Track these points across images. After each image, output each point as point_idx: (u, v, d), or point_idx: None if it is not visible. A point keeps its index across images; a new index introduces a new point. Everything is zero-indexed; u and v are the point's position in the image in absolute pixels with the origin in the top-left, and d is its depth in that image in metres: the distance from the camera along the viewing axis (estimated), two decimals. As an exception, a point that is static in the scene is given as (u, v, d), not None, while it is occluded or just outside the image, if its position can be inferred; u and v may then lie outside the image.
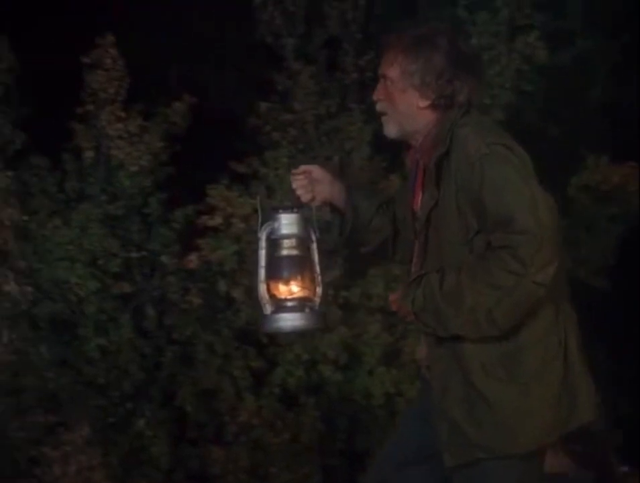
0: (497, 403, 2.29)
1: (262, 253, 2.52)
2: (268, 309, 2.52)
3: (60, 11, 6.17)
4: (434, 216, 2.37)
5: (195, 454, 5.42)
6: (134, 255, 5.43)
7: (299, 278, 2.53)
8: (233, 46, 6.33)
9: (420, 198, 2.44)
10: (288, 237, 2.53)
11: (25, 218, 5.32)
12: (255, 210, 2.70)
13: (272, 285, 2.53)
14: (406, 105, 2.41)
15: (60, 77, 5.56)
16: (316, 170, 2.59)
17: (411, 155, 2.51)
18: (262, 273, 2.52)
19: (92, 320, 5.37)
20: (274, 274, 2.53)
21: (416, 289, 2.33)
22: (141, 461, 5.34)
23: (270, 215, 2.55)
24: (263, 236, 2.52)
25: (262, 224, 2.53)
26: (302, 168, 2.60)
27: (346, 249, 2.70)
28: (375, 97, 2.49)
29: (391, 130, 2.46)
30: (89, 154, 5.42)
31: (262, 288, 2.51)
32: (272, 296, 2.52)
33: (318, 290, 2.55)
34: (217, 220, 5.33)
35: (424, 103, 2.39)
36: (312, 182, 2.58)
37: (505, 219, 2.23)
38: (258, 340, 5.31)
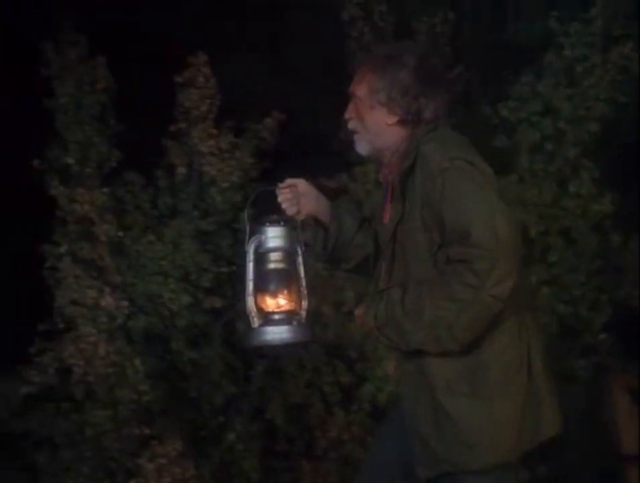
0: (461, 419, 2.31)
1: (250, 266, 2.54)
2: (255, 322, 2.53)
3: (154, 30, 6.31)
4: (400, 230, 2.40)
5: (285, 468, 5.43)
6: (225, 270, 5.50)
7: (286, 291, 2.54)
8: (322, 62, 6.36)
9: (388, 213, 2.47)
10: (274, 250, 2.54)
11: (120, 234, 5.44)
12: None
13: (260, 298, 2.54)
14: (375, 122, 2.46)
15: (154, 96, 5.67)
16: (301, 184, 2.62)
17: (383, 171, 2.54)
18: (250, 286, 2.53)
19: (185, 334, 5.45)
20: (262, 287, 2.54)
21: (379, 304, 2.36)
22: (232, 475, 5.38)
23: (257, 228, 2.57)
24: (251, 249, 2.54)
25: (249, 237, 2.55)
26: (288, 181, 2.63)
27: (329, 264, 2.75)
28: (346, 116, 2.52)
29: (363, 148, 2.52)
30: (181, 171, 5.52)
31: (250, 301, 2.52)
32: (260, 310, 2.53)
33: (305, 303, 2.54)
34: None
35: (392, 120, 2.44)
36: (298, 196, 2.61)
37: (462, 232, 2.24)
38: (347, 355, 5.31)
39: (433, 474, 2.39)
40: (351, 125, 2.52)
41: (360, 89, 2.49)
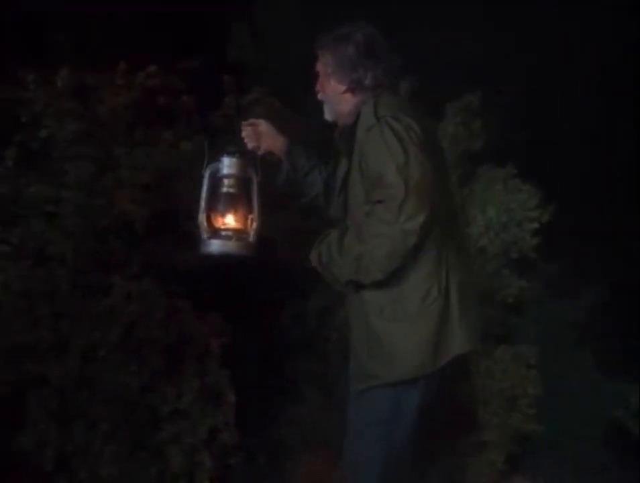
0: (386, 338, 2.77)
1: (204, 189, 3.00)
2: (204, 235, 2.98)
3: None
4: (348, 182, 2.88)
5: None
6: None
7: (234, 211, 2.98)
8: None
9: None
10: (228, 176, 2.98)
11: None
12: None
13: (212, 216, 2.99)
14: (332, 92, 2.93)
15: None
16: (262, 124, 3.11)
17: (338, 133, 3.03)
18: (203, 204, 2.98)
19: None
20: (214, 206, 2.99)
21: (322, 245, 2.83)
22: None
23: (215, 157, 3.02)
24: (206, 174, 3.00)
25: (208, 164, 3.01)
26: (251, 120, 3.11)
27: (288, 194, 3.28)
28: (316, 89, 3.00)
29: (327, 115, 2.98)
30: None
31: (202, 217, 2.98)
32: (210, 225, 2.98)
33: (254, 224, 2.97)
34: None
35: (341, 88, 2.89)
36: (259, 133, 3.07)
37: (378, 175, 2.69)
38: None
39: (361, 388, 2.85)
40: (320, 96, 2.98)
41: (320, 66, 2.96)
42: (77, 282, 3.83)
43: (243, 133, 3.10)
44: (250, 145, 3.09)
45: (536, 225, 4.64)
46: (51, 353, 3.79)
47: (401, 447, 2.82)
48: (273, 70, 5.23)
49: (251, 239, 2.99)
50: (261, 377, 4.29)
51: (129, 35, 3.98)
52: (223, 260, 3.00)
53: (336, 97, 2.93)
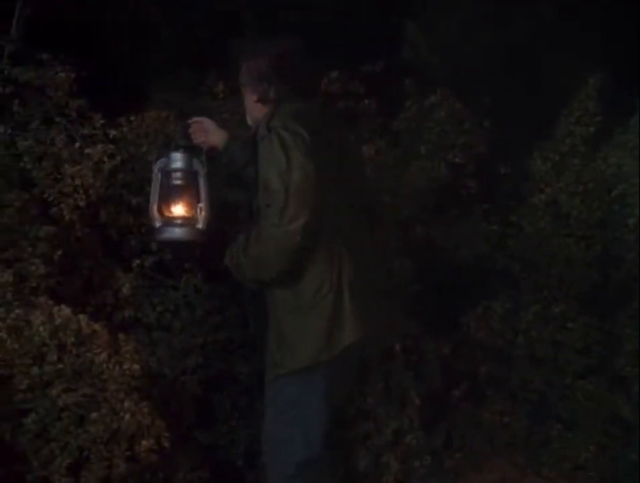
0: (287, 329, 3.04)
1: (155, 182, 3.24)
2: (156, 224, 3.24)
3: None
4: (257, 187, 3.04)
5: None
6: None
7: (181, 201, 3.23)
8: None
9: None
10: (175, 170, 3.24)
11: None
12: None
13: (162, 206, 3.22)
14: (248, 100, 3.21)
15: None
16: (206, 121, 3.37)
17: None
18: (155, 195, 3.23)
19: None
20: (164, 197, 3.24)
21: (232, 249, 3.09)
22: None
23: (164, 152, 3.31)
24: (156, 168, 3.25)
25: (157, 159, 3.28)
26: (195, 118, 3.36)
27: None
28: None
29: (247, 119, 3.24)
30: None
31: (153, 207, 3.23)
32: (161, 214, 3.22)
33: (203, 213, 3.22)
34: None
35: (253, 98, 3.16)
36: (204, 130, 3.34)
37: (264, 181, 2.94)
38: None
39: (271, 377, 3.11)
40: (244, 103, 3.21)
41: (239, 76, 3.19)
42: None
43: (190, 130, 3.36)
44: (196, 140, 3.34)
45: None
46: (240, 352, 3.91)
47: (317, 427, 3.05)
48: (448, 69, 5.15)
49: (200, 225, 3.23)
50: (445, 379, 4.23)
51: (311, 42, 4.08)
52: (177, 246, 3.42)
53: (250, 105, 3.18)
